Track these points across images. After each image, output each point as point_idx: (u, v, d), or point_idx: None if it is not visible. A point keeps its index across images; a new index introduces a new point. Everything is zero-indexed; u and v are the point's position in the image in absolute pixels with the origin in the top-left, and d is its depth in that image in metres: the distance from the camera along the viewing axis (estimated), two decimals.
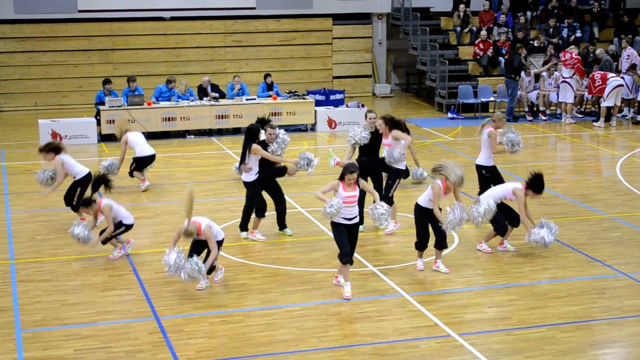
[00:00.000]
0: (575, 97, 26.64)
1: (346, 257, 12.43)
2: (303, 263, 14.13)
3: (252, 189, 14.98)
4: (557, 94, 26.42)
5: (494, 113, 16.61)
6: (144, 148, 18.76)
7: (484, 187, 15.80)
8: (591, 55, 28.09)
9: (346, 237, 12.51)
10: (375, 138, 15.34)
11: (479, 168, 16.16)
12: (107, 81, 24.66)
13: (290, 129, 24.70)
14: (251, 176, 14.89)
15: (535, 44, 28.43)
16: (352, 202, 12.43)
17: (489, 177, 16.00)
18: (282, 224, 15.51)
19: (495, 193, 14.46)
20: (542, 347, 10.98)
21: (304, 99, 25.47)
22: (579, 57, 26.40)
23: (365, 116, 15.66)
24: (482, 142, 16.02)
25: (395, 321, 11.69)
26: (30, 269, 13.87)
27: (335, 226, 12.59)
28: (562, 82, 26.12)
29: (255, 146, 14.71)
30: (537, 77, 27.00)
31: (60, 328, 11.58)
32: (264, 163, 14.96)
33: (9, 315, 12.04)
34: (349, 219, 12.51)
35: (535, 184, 14.07)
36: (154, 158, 18.91)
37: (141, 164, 18.79)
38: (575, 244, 14.86)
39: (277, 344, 11.12)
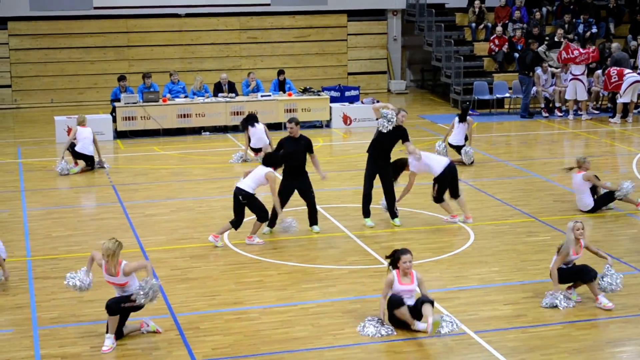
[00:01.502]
0: (591, 93, 26.60)
1: None
2: (318, 260, 14.14)
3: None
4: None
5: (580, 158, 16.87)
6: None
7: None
8: (607, 50, 27.98)
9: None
10: (393, 137, 15.40)
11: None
12: (122, 78, 24.73)
13: (305, 125, 24.72)
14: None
15: (555, 39, 28.32)
16: (406, 295, 11.22)
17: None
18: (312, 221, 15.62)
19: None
20: (558, 345, 10.96)
21: (319, 95, 25.46)
22: (589, 50, 26.24)
23: (399, 112, 15.62)
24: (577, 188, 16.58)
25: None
26: (47, 265, 13.93)
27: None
28: (573, 79, 25.94)
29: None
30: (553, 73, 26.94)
31: (77, 325, 11.62)
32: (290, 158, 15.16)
33: (25, 312, 12.09)
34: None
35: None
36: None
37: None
38: (591, 241, 14.78)
39: (292, 341, 11.13)
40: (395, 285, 11.12)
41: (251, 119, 21.00)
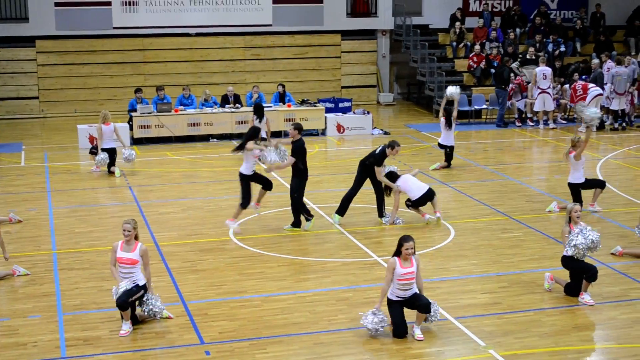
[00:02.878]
0: (559, 104, 26.63)
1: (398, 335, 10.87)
2: (315, 253, 14.14)
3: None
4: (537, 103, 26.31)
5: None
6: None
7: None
8: (580, 68, 27.97)
9: (401, 313, 10.88)
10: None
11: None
12: (138, 90, 24.68)
13: (303, 133, 24.65)
14: (245, 170, 15.21)
15: (527, 57, 28.39)
16: (409, 280, 10.76)
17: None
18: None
19: None
20: (530, 330, 10.97)
21: (315, 106, 25.47)
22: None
23: (393, 147, 15.67)
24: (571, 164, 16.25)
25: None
26: (71, 258, 13.92)
27: (390, 303, 10.91)
28: (541, 92, 25.98)
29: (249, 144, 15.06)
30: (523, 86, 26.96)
31: (98, 311, 11.62)
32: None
33: (51, 300, 12.09)
34: (405, 297, 10.91)
35: None
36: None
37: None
38: (559, 237, 14.79)
39: (291, 326, 11.13)
40: (397, 269, 10.68)
41: (258, 111, 21.15)
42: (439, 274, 13.10)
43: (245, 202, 15.25)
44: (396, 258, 10.78)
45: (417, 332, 10.74)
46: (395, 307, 10.83)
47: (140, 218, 16.18)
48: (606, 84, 26.30)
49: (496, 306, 11.80)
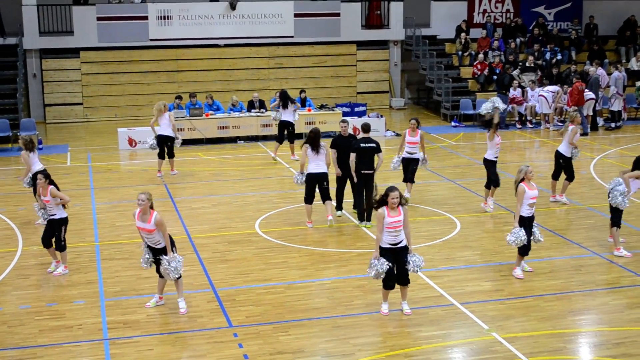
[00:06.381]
0: (555, 108, 26.49)
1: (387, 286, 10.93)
2: (333, 245, 14.15)
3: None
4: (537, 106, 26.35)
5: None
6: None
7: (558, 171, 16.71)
8: (572, 74, 27.85)
9: (392, 265, 10.76)
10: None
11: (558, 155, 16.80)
12: (178, 97, 24.45)
13: (322, 135, 24.65)
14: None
15: (527, 64, 28.28)
16: (397, 227, 10.63)
17: (564, 165, 16.69)
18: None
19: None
20: (529, 314, 10.95)
21: (333, 110, 25.46)
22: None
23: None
24: (564, 136, 16.76)
25: (408, 292, 11.65)
26: (112, 249, 13.99)
27: (383, 254, 10.74)
28: (539, 95, 26.00)
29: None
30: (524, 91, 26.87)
31: (136, 297, 11.69)
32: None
33: (94, 287, 12.17)
34: (394, 244, 10.79)
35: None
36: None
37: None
38: (556, 229, 14.79)
39: (312, 310, 11.16)
40: (386, 218, 10.55)
41: (284, 98, 21.49)
42: (446, 263, 13.09)
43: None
44: (384, 207, 10.61)
45: (405, 307, 10.92)
46: (388, 258, 10.71)
47: (175, 213, 16.26)
48: (609, 86, 26.21)
49: (498, 293, 11.78)
